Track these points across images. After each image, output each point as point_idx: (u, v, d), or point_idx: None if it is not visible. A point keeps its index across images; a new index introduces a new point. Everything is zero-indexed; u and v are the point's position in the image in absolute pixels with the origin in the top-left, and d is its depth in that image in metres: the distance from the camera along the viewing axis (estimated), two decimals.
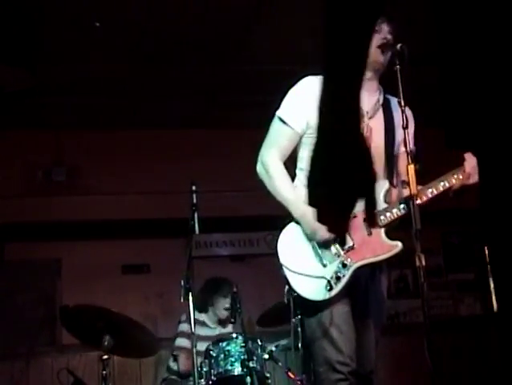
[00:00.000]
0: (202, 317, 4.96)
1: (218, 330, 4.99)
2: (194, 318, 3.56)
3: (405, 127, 2.47)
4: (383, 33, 2.78)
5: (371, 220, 2.74)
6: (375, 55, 2.80)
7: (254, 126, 3.45)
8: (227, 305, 4.83)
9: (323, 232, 2.75)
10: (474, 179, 2.85)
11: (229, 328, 5.01)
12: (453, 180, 2.85)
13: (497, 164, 1.69)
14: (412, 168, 2.39)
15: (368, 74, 2.85)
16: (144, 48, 4.85)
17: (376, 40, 2.77)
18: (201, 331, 4.67)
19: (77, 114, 5.90)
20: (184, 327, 4.82)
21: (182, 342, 4.76)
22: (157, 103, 5.82)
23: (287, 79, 3.00)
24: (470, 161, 2.86)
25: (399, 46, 2.61)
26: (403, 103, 2.48)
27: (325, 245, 2.79)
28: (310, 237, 2.80)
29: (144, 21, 4.46)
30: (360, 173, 2.04)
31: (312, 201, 2.37)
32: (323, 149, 2.06)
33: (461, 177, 2.85)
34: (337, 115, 2.00)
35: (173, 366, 4.84)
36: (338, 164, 1.97)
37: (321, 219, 2.53)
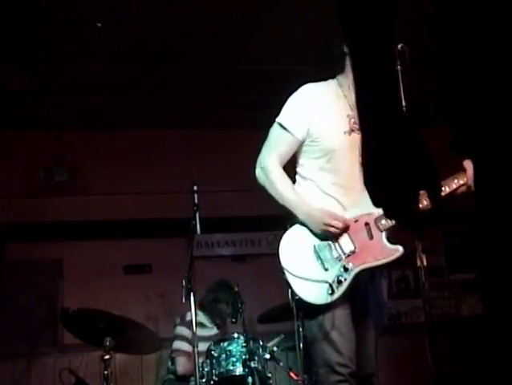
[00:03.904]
0: (200, 318, 4.93)
1: (216, 330, 4.98)
2: (194, 319, 3.55)
3: None
4: None
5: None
6: None
7: (254, 126, 3.45)
8: (222, 311, 4.94)
9: (334, 225, 2.76)
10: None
11: (227, 328, 5.01)
12: (454, 186, 2.87)
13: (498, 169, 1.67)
14: None
15: None
16: (144, 48, 4.84)
17: None
18: (199, 332, 4.66)
19: (78, 114, 5.90)
20: (180, 330, 4.81)
21: (180, 344, 4.75)
22: (157, 103, 5.82)
23: (287, 79, 3.00)
24: (470, 168, 2.85)
25: (400, 46, 2.59)
26: (404, 104, 2.47)
27: (329, 245, 2.78)
28: (321, 235, 2.79)
29: (144, 21, 4.46)
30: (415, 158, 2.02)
31: (378, 200, 2.33)
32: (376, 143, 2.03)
33: (461, 182, 2.87)
34: (378, 108, 1.98)
35: (172, 368, 4.84)
36: (393, 152, 1.95)
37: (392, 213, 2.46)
